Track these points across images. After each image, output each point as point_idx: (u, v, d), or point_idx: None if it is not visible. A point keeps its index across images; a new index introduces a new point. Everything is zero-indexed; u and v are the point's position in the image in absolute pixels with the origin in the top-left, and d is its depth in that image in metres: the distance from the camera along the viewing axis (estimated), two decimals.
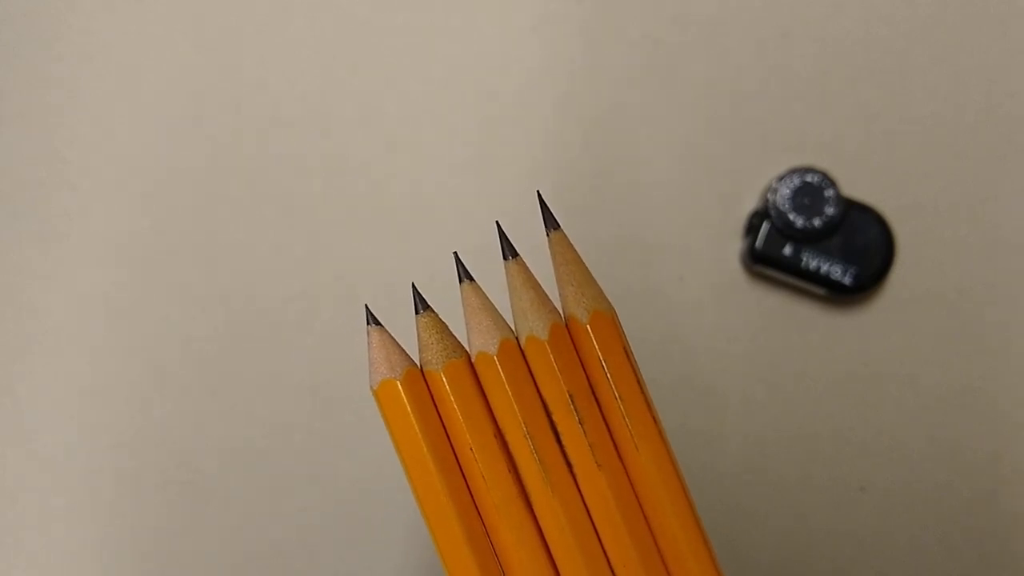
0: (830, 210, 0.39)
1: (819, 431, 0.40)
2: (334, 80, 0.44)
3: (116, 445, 0.42)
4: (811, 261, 0.39)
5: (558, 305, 0.21)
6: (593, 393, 0.19)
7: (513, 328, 0.20)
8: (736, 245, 0.42)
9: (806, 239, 0.39)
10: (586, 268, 0.20)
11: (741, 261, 0.41)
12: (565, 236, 0.21)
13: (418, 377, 0.18)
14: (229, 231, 0.43)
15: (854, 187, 0.40)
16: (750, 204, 0.42)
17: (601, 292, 0.20)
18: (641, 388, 0.19)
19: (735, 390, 0.41)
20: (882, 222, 0.40)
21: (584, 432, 0.18)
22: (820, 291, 0.40)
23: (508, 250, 0.20)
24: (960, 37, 0.43)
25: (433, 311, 0.19)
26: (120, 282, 0.43)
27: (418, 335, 0.19)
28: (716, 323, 0.41)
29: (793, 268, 0.40)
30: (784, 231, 0.39)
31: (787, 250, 0.40)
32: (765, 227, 0.40)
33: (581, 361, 0.19)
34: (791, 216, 0.39)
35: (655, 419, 0.19)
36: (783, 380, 0.41)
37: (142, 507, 0.41)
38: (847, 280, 0.39)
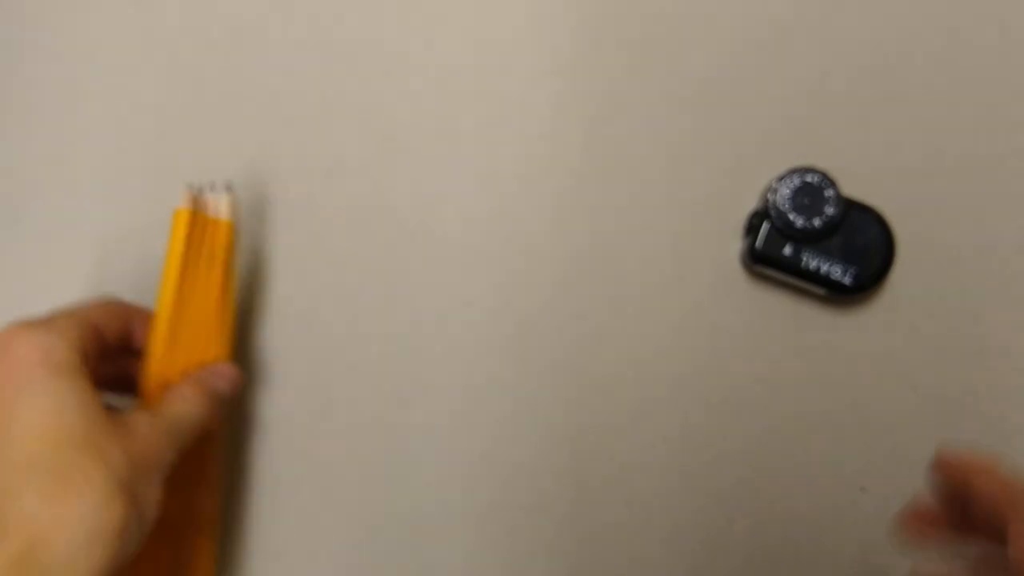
0: (830, 210, 0.39)
1: (819, 431, 0.40)
2: (334, 80, 0.44)
3: None
4: (811, 261, 0.39)
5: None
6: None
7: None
8: (736, 245, 0.42)
9: (806, 239, 0.39)
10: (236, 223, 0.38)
11: (741, 261, 0.41)
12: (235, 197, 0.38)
13: (189, 214, 0.36)
14: None
15: (854, 187, 0.40)
16: (750, 204, 0.42)
17: (232, 218, 0.38)
18: (226, 267, 0.37)
19: (735, 390, 0.41)
20: (882, 222, 0.40)
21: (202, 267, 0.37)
22: (820, 291, 0.40)
23: (225, 187, 0.38)
24: (960, 38, 0.43)
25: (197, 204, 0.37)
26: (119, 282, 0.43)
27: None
28: (716, 323, 0.41)
29: (793, 268, 0.39)
30: (784, 231, 0.39)
31: (787, 250, 0.39)
32: (765, 227, 0.40)
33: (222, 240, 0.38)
34: (791, 216, 0.39)
35: (227, 293, 0.37)
36: (783, 380, 0.41)
37: None
38: (847, 280, 0.39)
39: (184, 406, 0.34)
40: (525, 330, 0.41)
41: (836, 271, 0.39)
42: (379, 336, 0.42)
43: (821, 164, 0.40)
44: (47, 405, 0.30)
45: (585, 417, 0.41)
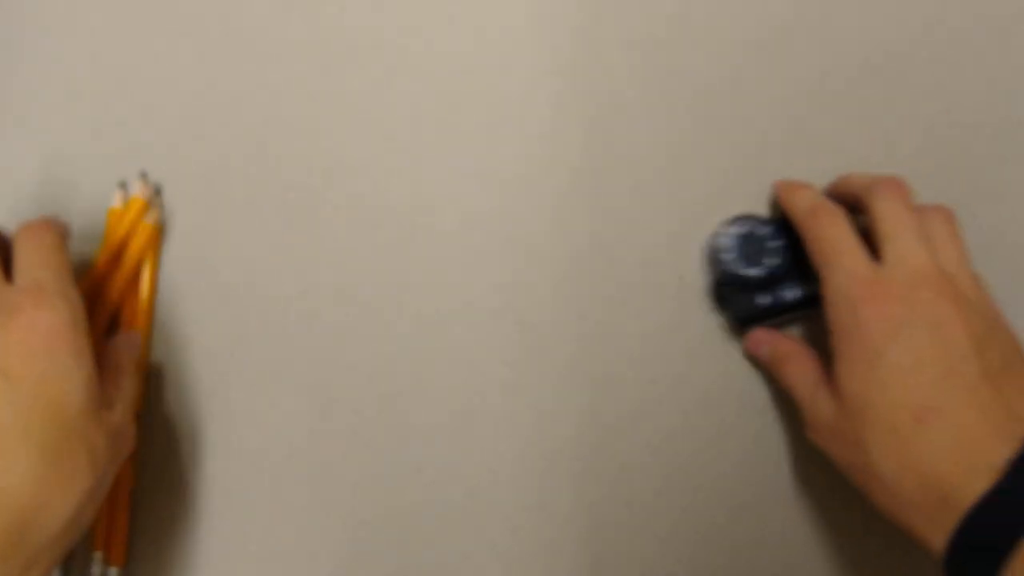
0: (774, 243, 0.39)
1: None
2: (334, 80, 0.44)
3: None
4: (788, 293, 0.39)
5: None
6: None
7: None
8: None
9: (773, 280, 0.39)
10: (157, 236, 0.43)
11: (731, 331, 0.41)
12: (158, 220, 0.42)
13: (119, 212, 0.42)
14: (232, 233, 0.43)
15: None
16: (754, 200, 0.41)
17: (156, 222, 0.42)
18: (138, 266, 0.42)
19: (736, 390, 0.41)
20: None
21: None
22: (816, 310, 0.40)
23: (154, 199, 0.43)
24: (958, 36, 0.43)
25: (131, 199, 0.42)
26: None
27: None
28: (717, 322, 0.41)
29: (780, 309, 0.39)
30: (749, 286, 0.39)
31: (764, 300, 0.39)
32: (733, 292, 0.39)
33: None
34: (747, 272, 0.39)
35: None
36: None
37: None
38: None
39: (136, 388, 0.38)
40: (525, 330, 0.42)
41: (819, 287, 0.38)
42: (379, 336, 0.42)
43: (820, 167, 0.40)
44: (59, 386, 0.32)
45: (585, 417, 0.41)
